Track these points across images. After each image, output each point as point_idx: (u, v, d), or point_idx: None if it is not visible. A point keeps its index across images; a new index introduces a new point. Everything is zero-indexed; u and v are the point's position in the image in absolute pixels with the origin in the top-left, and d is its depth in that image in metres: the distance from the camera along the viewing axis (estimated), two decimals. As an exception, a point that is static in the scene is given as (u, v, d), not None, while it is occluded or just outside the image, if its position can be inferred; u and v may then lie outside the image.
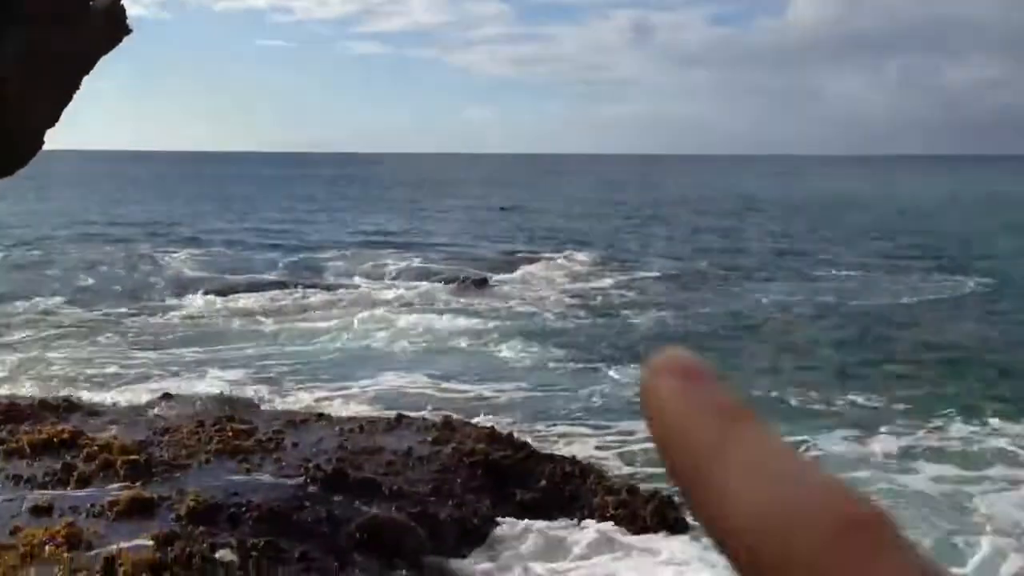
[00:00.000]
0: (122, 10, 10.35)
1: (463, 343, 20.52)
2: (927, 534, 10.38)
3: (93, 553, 8.44)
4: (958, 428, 14.37)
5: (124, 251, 38.00)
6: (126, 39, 11.26)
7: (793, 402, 15.94)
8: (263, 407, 14.75)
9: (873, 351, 20.31)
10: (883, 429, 14.22)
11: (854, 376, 17.84)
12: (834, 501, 0.30)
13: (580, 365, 18.46)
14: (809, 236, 46.59)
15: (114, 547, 8.53)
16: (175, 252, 38.00)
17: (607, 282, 30.54)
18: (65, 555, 8.35)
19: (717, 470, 0.31)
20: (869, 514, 0.30)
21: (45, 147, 11.89)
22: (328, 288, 28.81)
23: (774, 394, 16.28)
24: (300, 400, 15.48)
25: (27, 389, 15.69)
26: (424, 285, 29.19)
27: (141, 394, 15.40)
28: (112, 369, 17.67)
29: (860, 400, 15.96)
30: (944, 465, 12.79)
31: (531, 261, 35.34)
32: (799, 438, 13.58)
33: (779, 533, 0.29)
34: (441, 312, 24.41)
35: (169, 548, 8.52)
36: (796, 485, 0.30)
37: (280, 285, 29.02)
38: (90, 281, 29.51)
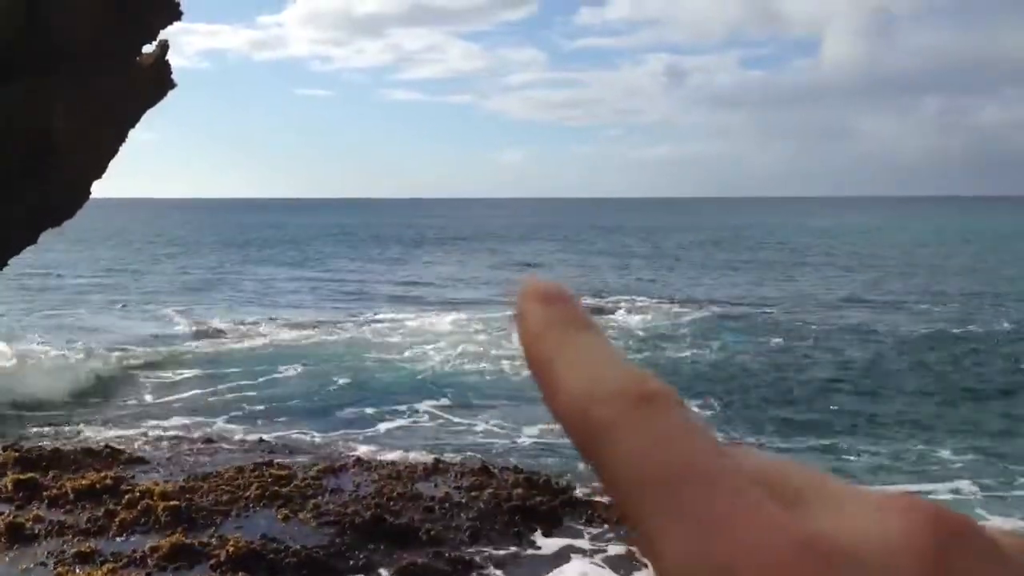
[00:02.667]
0: (167, 65, 10.63)
1: (508, 380, 20.44)
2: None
3: (135, 600, 8.48)
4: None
5: (157, 300, 38.56)
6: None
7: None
8: (302, 451, 14.82)
9: (953, 385, 20.51)
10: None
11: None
12: (632, 381, 0.38)
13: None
14: (864, 275, 46.48)
15: (155, 594, 8.57)
16: (207, 298, 38.48)
17: (659, 322, 30.44)
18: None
19: (555, 367, 0.39)
20: (660, 389, 0.38)
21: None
22: (368, 329, 28.96)
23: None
24: (339, 441, 15.54)
25: (72, 436, 15.88)
26: (469, 327, 29.22)
27: (181, 439, 15.54)
28: (152, 414, 17.84)
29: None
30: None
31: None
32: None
33: (589, 407, 0.38)
34: (482, 355, 24.37)
35: (209, 595, 8.53)
36: (605, 371, 0.39)
37: (320, 325, 29.26)
38: (126, 326, 29.91)
